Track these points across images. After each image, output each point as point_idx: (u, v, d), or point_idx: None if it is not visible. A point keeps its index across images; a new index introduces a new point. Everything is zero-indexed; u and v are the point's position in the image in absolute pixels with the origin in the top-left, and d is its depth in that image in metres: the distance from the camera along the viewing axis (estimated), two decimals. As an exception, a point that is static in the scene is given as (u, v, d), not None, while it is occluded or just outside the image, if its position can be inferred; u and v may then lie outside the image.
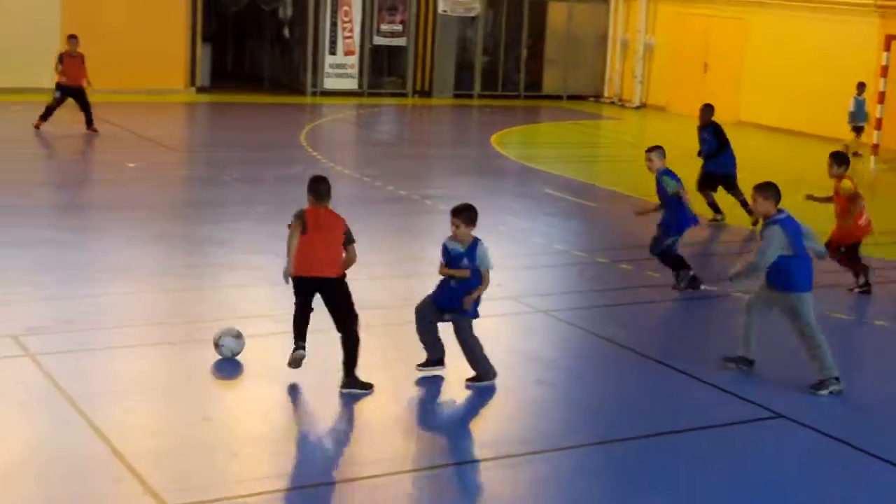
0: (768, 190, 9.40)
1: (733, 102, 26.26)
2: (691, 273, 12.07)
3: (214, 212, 14.61)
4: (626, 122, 27.84)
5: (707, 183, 15.83)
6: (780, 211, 9.35)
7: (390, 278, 12.07)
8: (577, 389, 9.46)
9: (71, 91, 19.74)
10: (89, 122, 19.91)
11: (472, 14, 29.77)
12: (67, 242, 12.48)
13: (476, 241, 9.07)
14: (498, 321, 10.65)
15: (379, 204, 15.74)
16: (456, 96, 29.02)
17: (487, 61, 30.40)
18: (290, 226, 8.78)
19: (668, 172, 12.03)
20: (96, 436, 7.53)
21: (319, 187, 8.86)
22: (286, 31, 28.88)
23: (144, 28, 24.88)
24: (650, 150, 12.22)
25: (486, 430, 8.55)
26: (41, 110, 19.71)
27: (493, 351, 9.22)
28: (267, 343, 9.63)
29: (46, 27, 24.43)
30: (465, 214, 9.00)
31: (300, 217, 8.76)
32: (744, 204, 14.94)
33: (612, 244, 14.46)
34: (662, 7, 29.80)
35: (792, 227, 9.29)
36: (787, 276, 9.26)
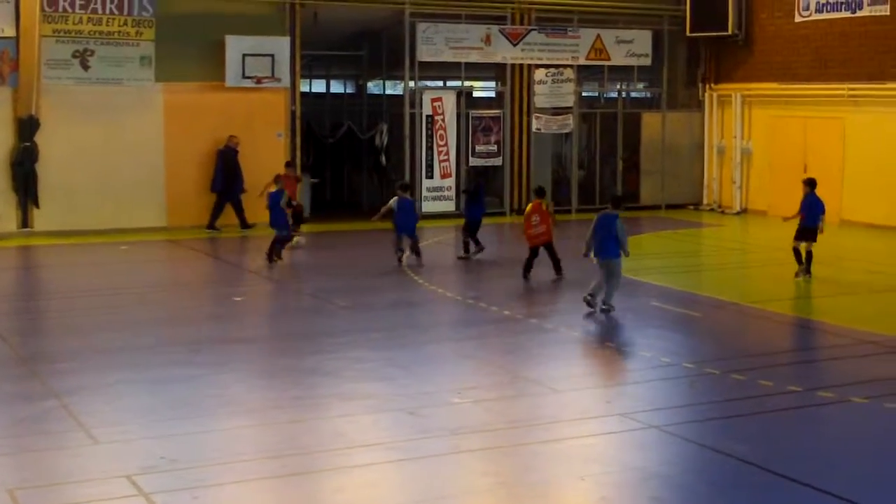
0: None
1: (835, 202, 25.94)
2: None
3: (323, 341, 14.72)
4: (728, 228, 27.62)
5: None
6: None
7: (495, 400, 12.00)
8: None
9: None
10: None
11: (566, 130, 30.01)
12: (180, 379, 12.64)
13: None
14: (609, 438, 10.50)
15: (483, 325, 15.73)
16: (555, 212, 29.05)
17: (583, 175, 30.54)
18: None
19: None
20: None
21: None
22: (383, 158, 29.35)
23: (245, 163, 25.53)
24: None
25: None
26: (146, 249, 20.37)
27: (606, 468, 9.07)
28: (376, 473, 9.62)
29: (152, 168, 25.24)
30: None
31: None
32: None
33: (722, 354, 14.22)
34: (757, 111, 29.76)
35: None
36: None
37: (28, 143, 24.36)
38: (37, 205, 24.64)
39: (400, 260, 20.75)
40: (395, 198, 21.17)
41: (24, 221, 24.70)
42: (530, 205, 19.97)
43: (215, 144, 25.68)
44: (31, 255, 23.21)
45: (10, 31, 24.13)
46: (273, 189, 21.51)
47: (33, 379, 12.64)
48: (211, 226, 25.27)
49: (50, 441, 10.45)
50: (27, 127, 24.35)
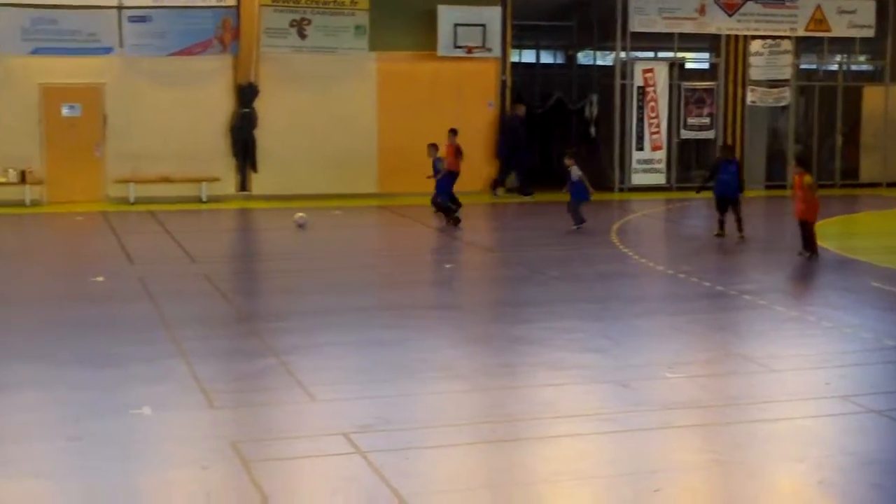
0: None
1: None
2: None
3: (534, 310, 14.73)
4: (954, 207, 26.41)
5: None
6: None
7: (708, 377, 11.78)
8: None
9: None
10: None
11: (783, 104, 29.16)
12: (393, 342, 12.86)
13: None
14: (827, 421, 10.18)
15: (695, 301, 15.47)
16: (767, 187, 28.38)
17: (800, 150, 29.62)
18: None
19: None
20: (427, 535, 7.64)
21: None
22: (592, 130, 29.13)
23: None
24: None
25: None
26: (358, 215, 20.81)
27: (824, 452, 8.79)
28: (585, 444, 9.58)
29: (365, 136, 25.71)
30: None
31: None
32: None
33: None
34: None
35: None
36: None
37: (247, 110, 25.13)
38: (255, 169, 25.42)
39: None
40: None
41: (243, 185, 25.53)
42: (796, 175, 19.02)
43: (426, 114, 25.92)
44: (249, 217, 24.01)
45: (231, 0, 24.88)
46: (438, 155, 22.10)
47: (253, 337, 13.07)
48: (497, 186, 27.04)
49: (270, 396, 10.78)
50: (247, 94, 25.11)
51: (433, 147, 21.77)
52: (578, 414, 10.36)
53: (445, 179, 21.90)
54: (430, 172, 22.02)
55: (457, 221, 21.26)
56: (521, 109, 27.28)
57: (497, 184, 26.84)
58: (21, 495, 8.34)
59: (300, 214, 21.03)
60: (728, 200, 20.46)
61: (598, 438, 9.76)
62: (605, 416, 10.21)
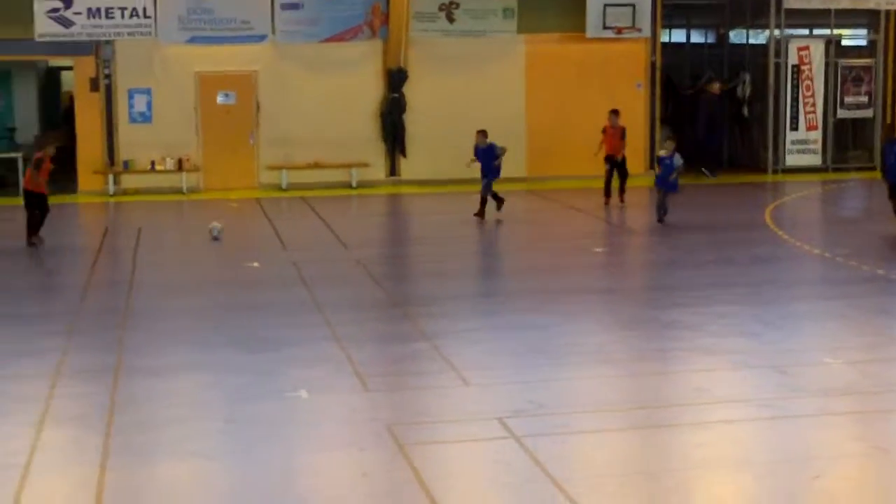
0: None
1: None
2: None
3: (686, 294, 14.54)
4: None
5: None
6: None
7: (868, 362, 11.48)
8: None
9: (611, 160, 22.17)
10: (621, 190, 22.29)
11: (945, 80, 28.15)
12: (544, 326, 12.84)
13: None
14: None
15: (853, 285, 15.06)
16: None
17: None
18: None
19: None
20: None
21: None
22: (745, 110, 28.56)
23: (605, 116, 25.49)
24: None
25: None
26: (509, 200, 20.69)
27: None
28: (740, 430, 9.44)
29: (512, 119, 25.67)
30: None
31: None
32: None
33: None
34: None
35: None
36: None
37: (396, 95, 25.34)
38: (404, 154, 25.64)
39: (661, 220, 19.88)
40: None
41: (392, 170, 25.77)
42: None
43: (574, 96, 25.75)
44: (399, 202, 24.23)
45: (381, -14, 25.12)
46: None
47: (406, 320, 13.21)
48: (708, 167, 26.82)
49: (423, 381, 10.90)
50: (396, 78, 25.33)
51: (482, 133, 20.89)
52: (733, 399, 10.22)
53: None
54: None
55: (501, 202, 20.70)
56: (716, 87, 27.18)
57: (709, 165, 27.00)
58: (188, 474, 8.61)
59: (215, 224, 18.89)
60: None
61: (753, 424, 9.62)
62: (761, 402, 10.05)
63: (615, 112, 22.54)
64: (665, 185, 19.85)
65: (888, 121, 26.73)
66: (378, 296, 14.78)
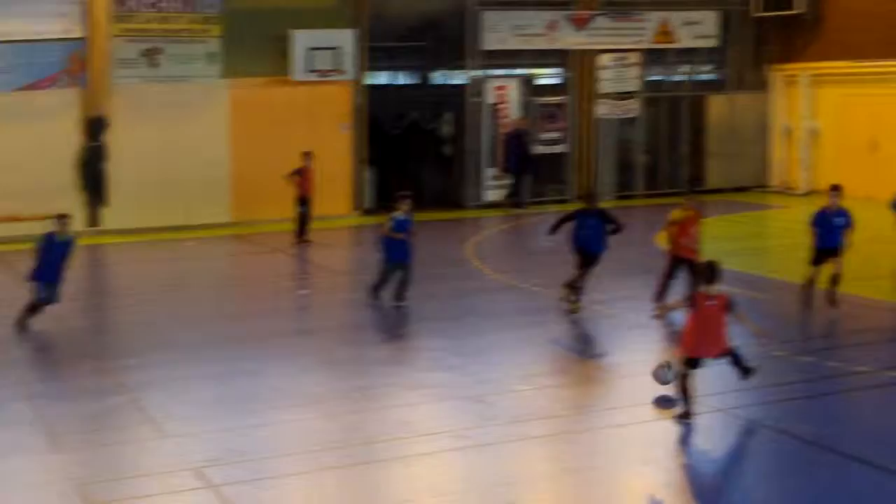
0: None
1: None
2: None
3: (386, 333, 14.79)
4: (794, 209, 27.20)
5: None
6: None
7: (555, 388, 12.00)
8: (766, 488, 9.17)
9: (304, 201, 22.37)
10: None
11: (631, 115, 29.79)
12: (242, 372, 12.75)
13: None
14: (673, 423, 10.45)
15: (542, 314, 15.61)
16: (619, 198, 28.93)
17: (648, 160, 30.30)
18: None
19: None
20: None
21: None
22: (447, 148, 29.34)
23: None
24: None
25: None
26: (212, 245, 20.56)
27: (670, 453, 9.00)
28: (439, 461, 9.68)
29: (217, 165, 25.48)
30: None
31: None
32: None
33: (788, 336, 14.07)
34: (824, 91, 29.33)
35: None
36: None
37: (96, 143, 24.72)
38: (105, 203, 24.98)
39: None
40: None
41: (93, 220, 25.06)
42: (692, 211, 15.96)
43: (280, 139, 25.79)
44: (100, 252, 23.54)
45: (79, 33, 24.49)
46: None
47: (105, 374, 12.84)
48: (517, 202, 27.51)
49: (119, 435, 10.62)
50: (95, 126, 24.72)
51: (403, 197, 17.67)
52: (435, 432, 10.44)
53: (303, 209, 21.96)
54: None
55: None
56: (524, 122, 27.93)
57: (514, 197, 27.70)
58: None
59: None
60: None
61: (452, 455, 9.87)
62: (460, 433, 10.32)
63: (308, 154, 22.80)
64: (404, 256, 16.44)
65: (581, 154, 28.12)
66: (75, 349, 14.30)
